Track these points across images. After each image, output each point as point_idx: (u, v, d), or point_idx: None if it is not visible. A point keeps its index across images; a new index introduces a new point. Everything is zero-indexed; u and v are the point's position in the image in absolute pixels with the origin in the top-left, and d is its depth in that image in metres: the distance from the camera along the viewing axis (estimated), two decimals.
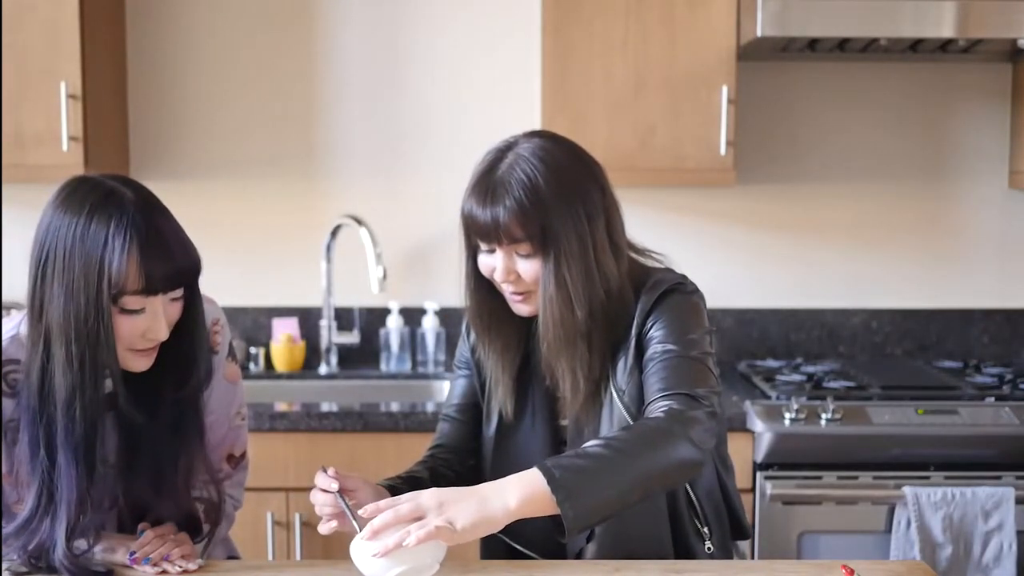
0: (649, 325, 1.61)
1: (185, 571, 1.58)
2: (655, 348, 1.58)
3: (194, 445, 1.66)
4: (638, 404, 1.60)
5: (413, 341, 3.19)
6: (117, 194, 1.53)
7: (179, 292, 1.57)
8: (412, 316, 3.18)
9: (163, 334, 1.55)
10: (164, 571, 1.57)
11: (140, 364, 1.58)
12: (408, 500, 1.43)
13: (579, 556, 1.69)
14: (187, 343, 1.62)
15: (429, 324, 3.17)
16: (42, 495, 1.55)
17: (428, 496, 1.43)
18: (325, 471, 1.56)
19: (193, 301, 1.61)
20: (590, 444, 1.48)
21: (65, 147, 2.81)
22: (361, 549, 1.45)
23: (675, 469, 1.48)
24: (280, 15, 3.18)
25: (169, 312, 1.56)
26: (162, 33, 3.17)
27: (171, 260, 1.52)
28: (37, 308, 1.53)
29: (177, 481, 1.65)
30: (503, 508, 1.42)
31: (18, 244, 3.18)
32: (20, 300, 3.44)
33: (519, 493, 1.42)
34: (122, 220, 1.49)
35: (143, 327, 1.53)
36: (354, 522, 1.49)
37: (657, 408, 1.52)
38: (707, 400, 1.53)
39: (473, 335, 1.75)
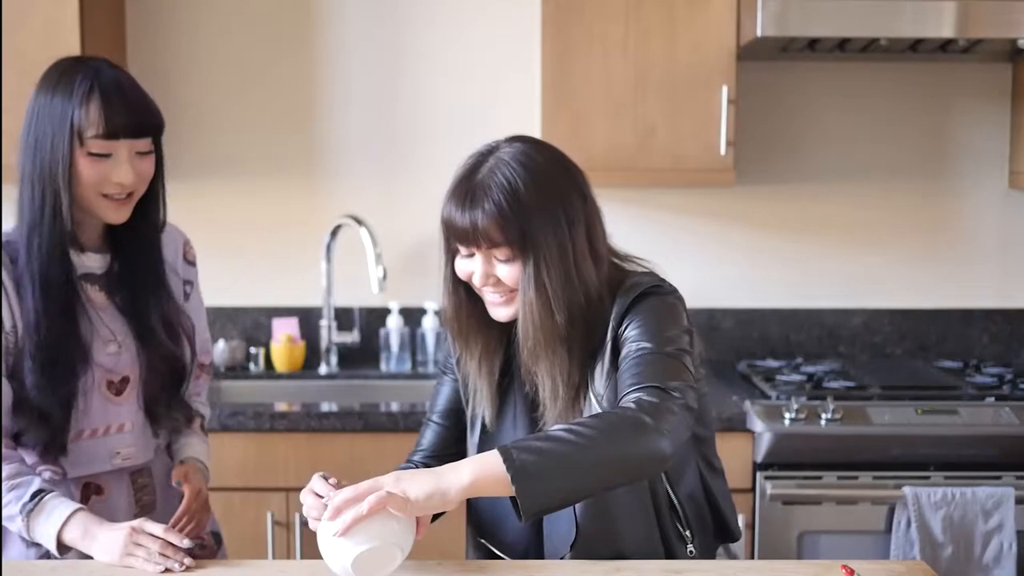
0: (625, 327, 1.59)
1: (187, 568, 1.58)
2: (629, 347, 1.57)
3: (164, 277, 1.86)
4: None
5: (413, 341, 3.19)
6: (85, 59, 1.76)
7: (146, 145, 1.73)
8: (412, 316, 3.19)
9: (128, 179, 1.71)
10: (168, 570, 1.58)
11: (115, 215, 1.74)
12: (368, 481, 1.45)
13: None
14: (151, 189, 1.80)
15: (429, 324, 3.17)
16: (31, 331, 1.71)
17: (387, 476, 1.45)
18: (326, 479, 1.55)
19: (159, 156, 1.78)
20: (555, 428, 1.47)
21: None
22: (323, 530, 1.45)
23: (641, 460, 1.46)
24: (280, 16, 3.18)
25: (139, 166, 1.73)
26: (162, 33, 3.17)
27: (131, 108, 1.70)
28: (21, 169, 1.72)
29: (163, 297, 1.84)
30: (457, 483, 1.42)
31: None
32: None
33: (474, 470, 1.43)
34: (87, 75, 1.69)
35: (107, 172, 1.69)
36: None
37: (628, 400, 1.51)
38: (679, 393, 1.51)
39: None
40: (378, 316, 3.21)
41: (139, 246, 1.82)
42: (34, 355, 1.69)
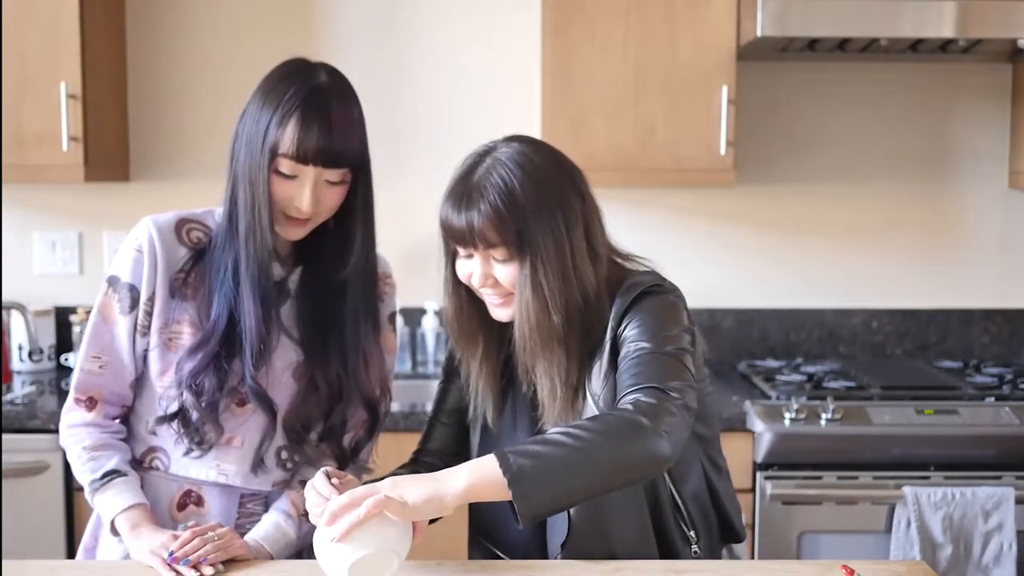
0: (624, 326, 1.58)
1: None
2: (628, 347, 1.56)
3: (368, 336, 1.76)
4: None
5: (413, 341, 3.19)
6: (308, 72, 1.65)
7: (337, 175, 1.65)
8: (412, 316, 3.18)
9: (307, 206, 1.63)
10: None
11: (289, 232, 1.68)
12: (365, 487, 1.44)
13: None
14: (346, 227, 1.72)
15: (429, 324, 3.17)
16: (219, 321, 1.66)
17: (384, 481, 1.45)
18: (328, 477, 1.55)
19: (359, 190, 1.72)
20: (552, 431, 1.47)
21: (65, 147, 2.81)
22: (321, 536, 1.44)
23: (639, 461, 1.45)
24: (280, 15, 3.18)
25: (325, 194, 1.65)
26: (162, 33, 3.17)
27: (327, 136, 1.60)
28: (231, 160, 1.69)
29: (359, 365, 1.75)
30: (453, 488, 1.42)
31: (18, 244, 3.18)
32: (20, 300, 3.43)
33: (470, 475, 1.42)
34: (300, 90, 1.61)
35: (291, 194, 1.63)
36: None
37: (626, 401, 1.49)
38: (679, 393, 1.49)
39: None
40: None
41: (315, 270, 1.75)
42: (256, 355, 1.66)
